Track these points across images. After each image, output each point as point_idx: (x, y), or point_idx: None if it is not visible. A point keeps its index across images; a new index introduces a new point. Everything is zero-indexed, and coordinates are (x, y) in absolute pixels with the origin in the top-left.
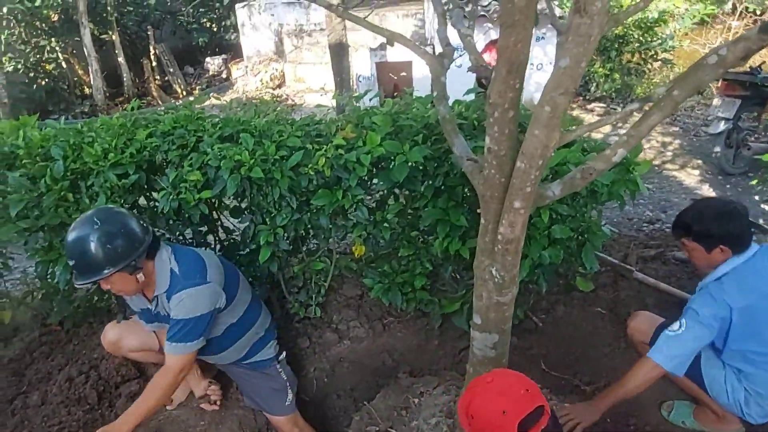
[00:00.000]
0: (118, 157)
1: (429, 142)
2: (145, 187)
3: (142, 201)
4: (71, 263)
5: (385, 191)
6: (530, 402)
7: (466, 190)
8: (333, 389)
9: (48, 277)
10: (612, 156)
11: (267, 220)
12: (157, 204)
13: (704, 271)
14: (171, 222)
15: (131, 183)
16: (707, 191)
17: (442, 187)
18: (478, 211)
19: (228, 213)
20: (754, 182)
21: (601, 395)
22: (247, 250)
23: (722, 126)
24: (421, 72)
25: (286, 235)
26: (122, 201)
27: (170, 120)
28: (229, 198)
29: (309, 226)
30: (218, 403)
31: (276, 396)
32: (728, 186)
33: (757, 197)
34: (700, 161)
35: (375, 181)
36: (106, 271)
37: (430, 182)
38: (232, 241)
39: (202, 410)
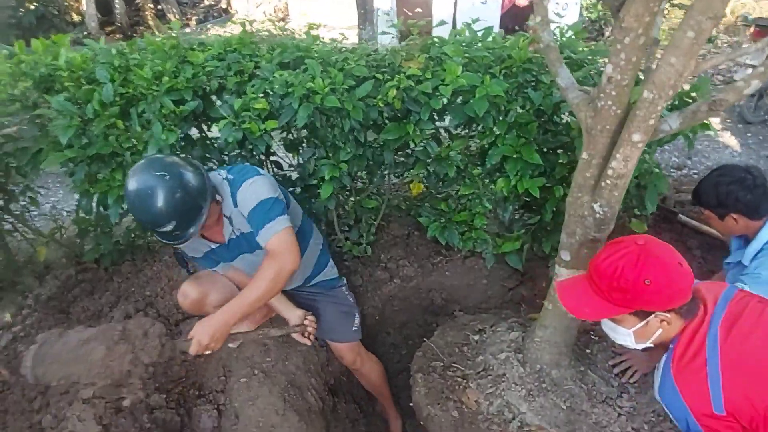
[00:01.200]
0: (173, 81)
1: (501, 75)
2: (202, 116)
3: (193, 132)
4: (170, 227)
5: (454, 127)
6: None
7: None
8: (384, 327)
9: (92, 211)
10: (745, 87)
11: (330, 154)
12: (209, 135)
13: (727, 236)
14: (226, 155)
15: (190, 110)
16: (728, 139)
17: (513, 124)
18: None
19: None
20: None
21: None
22: (303, 185)
23: (748, 71)
24: (439, 8)
25: (347, 170)
26: (178, 130)
27: (220, 43)
28: (285, 130)
29: (371, 161)
30: (311, 337)
31: (344, 320)
32: (749, 134)
33: None
34: None
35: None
36: (204, 208)
37: (502, 118)
38: (282, 177)
39: (266, 345)
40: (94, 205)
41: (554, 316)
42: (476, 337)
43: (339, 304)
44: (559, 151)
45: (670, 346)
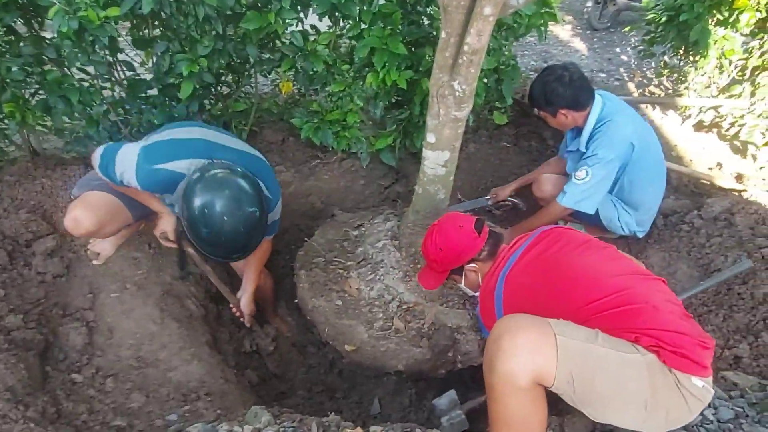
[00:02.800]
0: None
1: None
2: (29, 5)
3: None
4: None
5: (319, 18)
6: (471, 218)
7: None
8: None
9: None
10: None
11: (186, 48)
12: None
13: (565, 131)
14: (63, 54)
15: None
16: (578, 44)
17: (378, 14)
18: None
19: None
20: (626, 29)
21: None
22: (160, 86)
23: None
24: None
25: (208, 67)
26: None
27: None
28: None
29: (234, 57)
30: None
31: None
32: (595, 40)
33: (618, 49)
34: (571, 17)
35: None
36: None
37: (366, 8)
38: (136, 78)
39: (136, 259)
40: None
41: (424, 199)
42: (355, 233)
43: None
44: (422, 44)
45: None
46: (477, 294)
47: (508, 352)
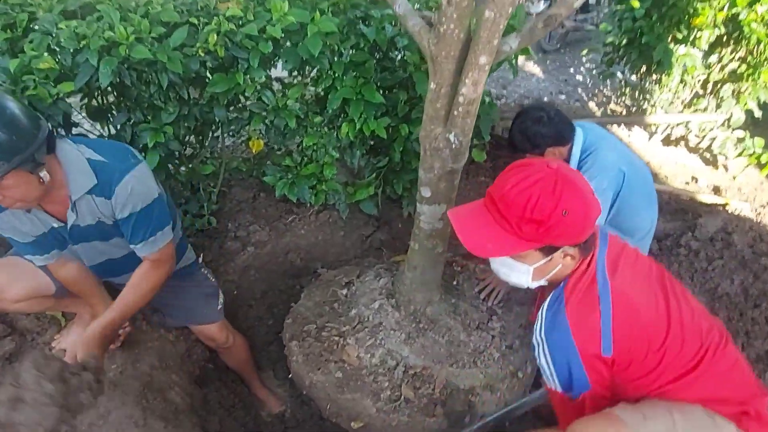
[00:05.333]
0: None
1: (329, 12)
2: None
3: None
4: None
5: (288, 72)
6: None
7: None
8: (244, 300)
9: None
10: (575, 1)
11: (149, 117)
12: None
13: None
14: None
15: None
16: (533, 68)
17: (350, 64)
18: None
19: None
20: (583, 52)
21: None
22: None
23: (542, 5)
24: None
25: (174, 134)
26: None
27: None
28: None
29: (200, 121)
30: (122, 337)
31: (208, 302)
32: (548, 62)
33: (571, 70)
34: None
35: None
36: (32, 145)
37: (338, 59)
38: None
39: (108, 352)
40: None
41: (421, 255)
42: (344, 291)
43: (202, 286)
44: (397, 89)
45: (561, 284)
46: (531, 285)
47: None
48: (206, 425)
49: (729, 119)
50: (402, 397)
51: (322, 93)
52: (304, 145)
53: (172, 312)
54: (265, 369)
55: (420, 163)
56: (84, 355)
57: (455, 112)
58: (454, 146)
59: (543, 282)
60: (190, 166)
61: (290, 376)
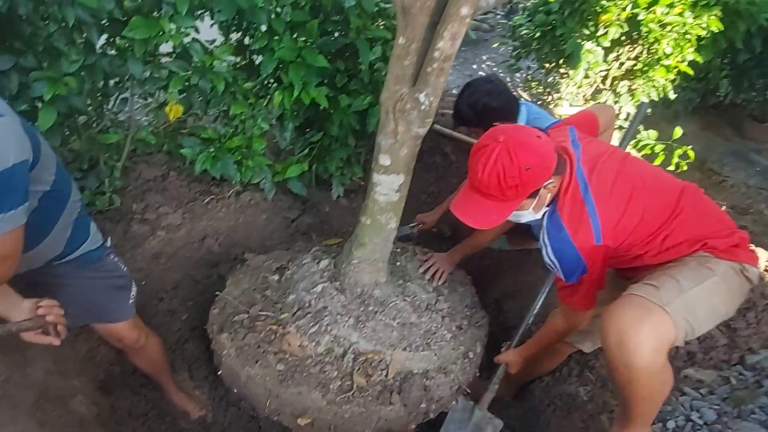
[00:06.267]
0: None
1: None
2: None
3: None
4: None
5: (218, 27)
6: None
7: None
8: (153, 293)
9: None
10: None
11: (45, 63)
12: None
13: None
14: None
15: None
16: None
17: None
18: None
19: None
20: (494, 45)
21: (454, 250)
22: None
23: None
24: None
25: (78, 88)
26: None
27: None
28: None
29: (110, 74)
30: (61, 329)
31: (119, 295)
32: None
33: (474, 66)
34: None
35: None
36: None
37: (275, 16)
38: None
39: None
40: None
41: (373, 231)
42: (276, 277)
43: (110, 277)
44: (335, 57)
45: (553, 201)
46: (538, 216)
47: (639, 348)
48: None
49: (625, 114)
50: (354, 386)
51: (256, 55)
52: (230, 113)
53: (70, 310)
54: (179, 371)
55: (379, 130)
56: None
57: (428, 69)
58: (423, 107)
59: (545, 208)
60: (89, 132)
61: (219, 373)
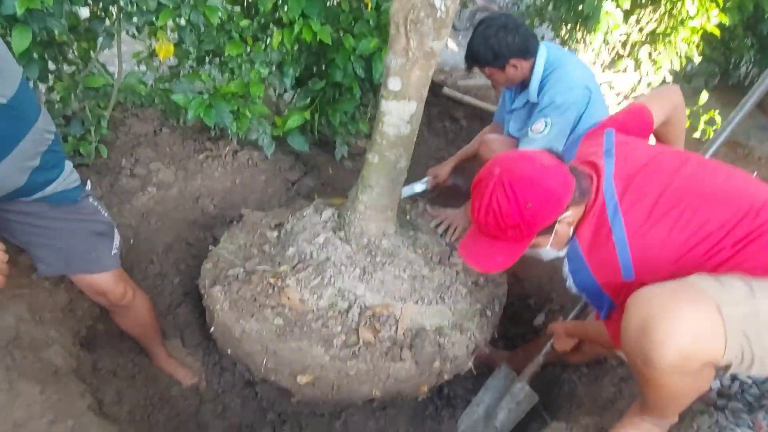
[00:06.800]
0: None
1: None
2: None
3: None
4: None
5: None
6: (537, 150)
7: None
8: (143, 254)
9: None
10: None
11: None
12: None
13: (500, 89)
14: None
15: None
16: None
17: None
18: None
19: None
20: None
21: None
22: None
23: None
24: None
25: (55, 11)
26: None
27: None
28: None
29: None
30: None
31: (99, 243)
32: (460, 38)
33: None
34: None
35: None
36: None
37: None
38: None
39: None
40: None
41: (380, 170)
42: (275, 233)
43: (89, 221)
44: None
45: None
46: (562, 253)
47: (666, 345)
48: (100, 395)
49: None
50: (360, 340)
51: None
52: (226, 54)
53: (44, 254)
54: (170, 337)
55: (388, 48)
56: None
57: None
58: (439, 14)
59: (568, 244)
60: (74, 74)
61: (211, 331)
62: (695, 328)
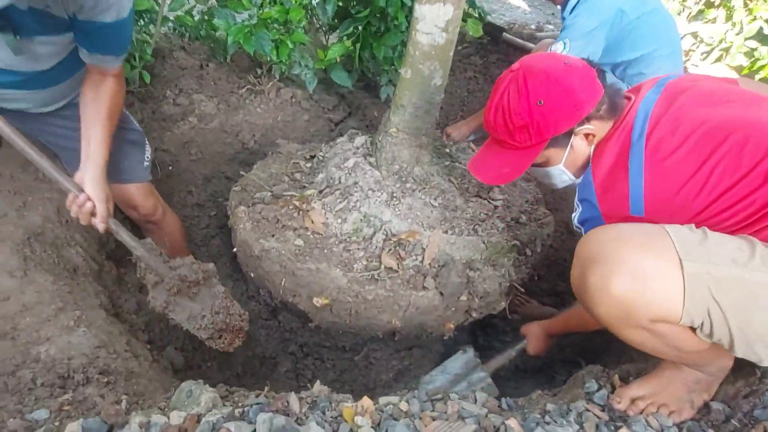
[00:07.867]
0: None
1: None
2: None
3: None
4: None
5: None
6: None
7: None
8: (181, 182)
9: None
10: None
11: None
12: None
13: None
14: None
15: None
16: (519, 2)
17: None
18: None
19: None
20: None
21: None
22: None
23: None
24: None
25: None
26: None
27: None
28: None
29: None
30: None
31: (131, 152)
32: None
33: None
34: None
35: None
36: None
37: None
38: None
39: None
40: None
41: (414, 86)
42: (308, 165)
43: (121, 128)
44: None
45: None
46: (578, 181)
47: (602, 292)
48: (119, 303)
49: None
50: (382, 266)
51: None
52: None
53: (77, 160)
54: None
55: None
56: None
57: None
58: None
59: (584, 170)
60: None
61: (234, 250)
62: (638, 279)
